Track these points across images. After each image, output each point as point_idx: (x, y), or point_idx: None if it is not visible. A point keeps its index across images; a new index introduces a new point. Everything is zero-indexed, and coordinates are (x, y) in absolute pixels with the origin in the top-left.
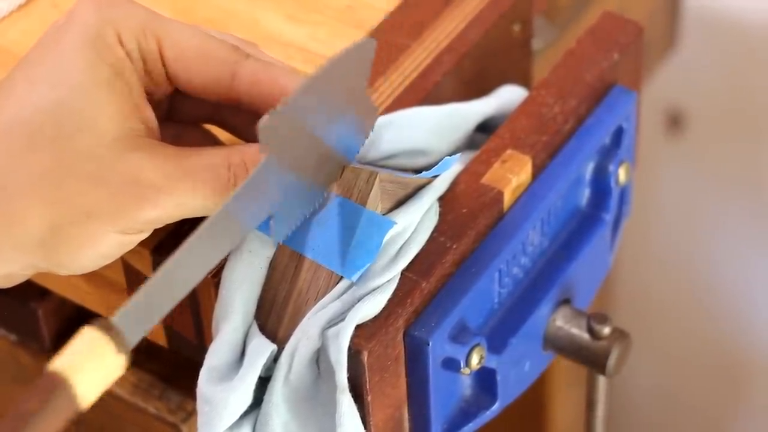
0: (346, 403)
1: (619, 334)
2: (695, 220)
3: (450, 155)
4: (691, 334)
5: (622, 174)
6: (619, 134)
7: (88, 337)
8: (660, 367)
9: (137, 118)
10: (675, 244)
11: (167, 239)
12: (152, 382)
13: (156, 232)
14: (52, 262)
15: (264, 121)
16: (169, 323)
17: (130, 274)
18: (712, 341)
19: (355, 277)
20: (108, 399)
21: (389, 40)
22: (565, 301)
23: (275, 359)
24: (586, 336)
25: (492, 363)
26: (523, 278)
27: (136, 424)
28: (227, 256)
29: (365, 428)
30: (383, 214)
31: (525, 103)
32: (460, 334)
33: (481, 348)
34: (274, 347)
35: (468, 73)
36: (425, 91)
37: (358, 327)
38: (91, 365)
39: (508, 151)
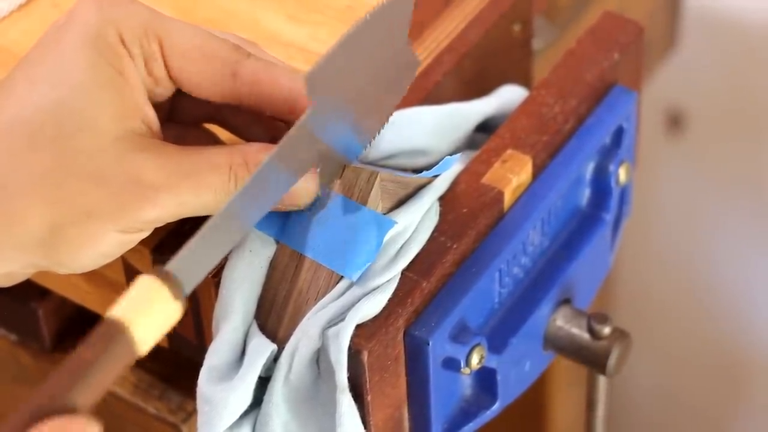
0: (346, 403)
1: (620, 334)
2: (695, 220)
3: (450, 155)
4: (691, 334)
5: (622, 174)
6: (619, 134)
7: (144, 284)
8: (660, 367)
9: (138, 117)
10: (675, 244)
11: (168, 238)
12: (152, 382)
13: (156, 231)
14: (52, 261)
15: (311, 70)
16: None
17: (130, 274)
18: (712, 341)
19: (355, 277)
20: (108, 399)
21: None
22: (566, 301)
23: (275, 359)
24: (586, 336)
25: (492, 363)
26: (523, 278)
27: (136, 424)
28: (227, 256)
29: (365, 428)
30: (384, 214)
31: (525, 103)
32: (460, 334)
33: (481, 348)
34: (274, 347)
35: (468, 72)
36: (426, 91)
37: (359, 327)
38: (149, 312)
39: (509, 151)
